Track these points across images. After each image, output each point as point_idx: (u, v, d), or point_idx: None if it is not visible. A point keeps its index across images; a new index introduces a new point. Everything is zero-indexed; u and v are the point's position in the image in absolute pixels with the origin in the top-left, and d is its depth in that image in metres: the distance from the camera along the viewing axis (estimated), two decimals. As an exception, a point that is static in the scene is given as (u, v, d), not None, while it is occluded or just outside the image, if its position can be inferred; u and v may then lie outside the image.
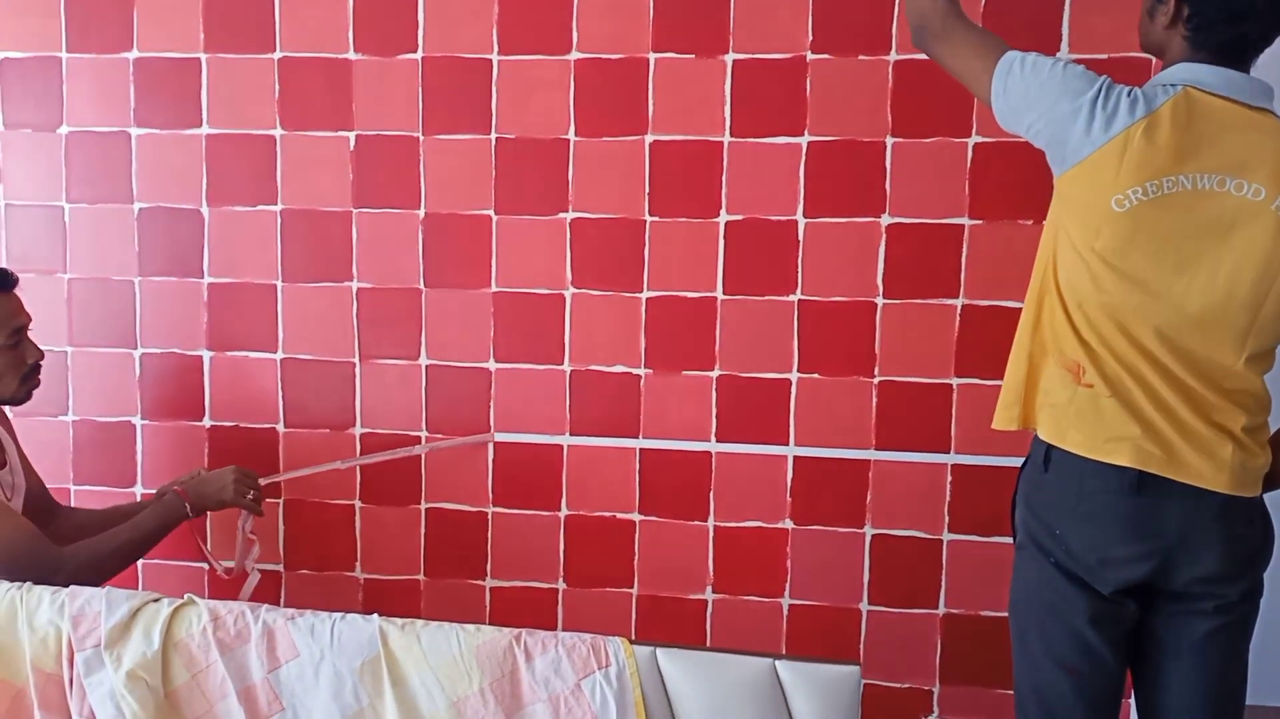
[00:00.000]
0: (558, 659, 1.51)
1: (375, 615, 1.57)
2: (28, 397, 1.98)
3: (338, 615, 1.57)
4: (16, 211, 2.40)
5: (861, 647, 2.25)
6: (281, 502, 2.39)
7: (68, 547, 1.87)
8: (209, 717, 1.57)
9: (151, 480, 2.39)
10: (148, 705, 1.55)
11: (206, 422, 2.39)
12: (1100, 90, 1.53)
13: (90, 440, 2.43)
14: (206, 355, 2.38)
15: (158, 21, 2.32)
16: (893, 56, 2.12)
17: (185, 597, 1.62)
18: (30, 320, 1.97)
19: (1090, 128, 1.52)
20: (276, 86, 2.29)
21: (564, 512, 2.31)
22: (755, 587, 2.26)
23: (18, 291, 1.97)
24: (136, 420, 2.41)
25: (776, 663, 1.49)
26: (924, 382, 2.17)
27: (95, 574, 1.82)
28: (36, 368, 1.98)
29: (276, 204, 2.32)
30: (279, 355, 2.36)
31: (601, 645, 1.52)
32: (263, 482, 2.20)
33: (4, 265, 2.37)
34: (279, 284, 2.34)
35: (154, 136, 2.34)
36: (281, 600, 2.40)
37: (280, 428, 2.37)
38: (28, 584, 1.67)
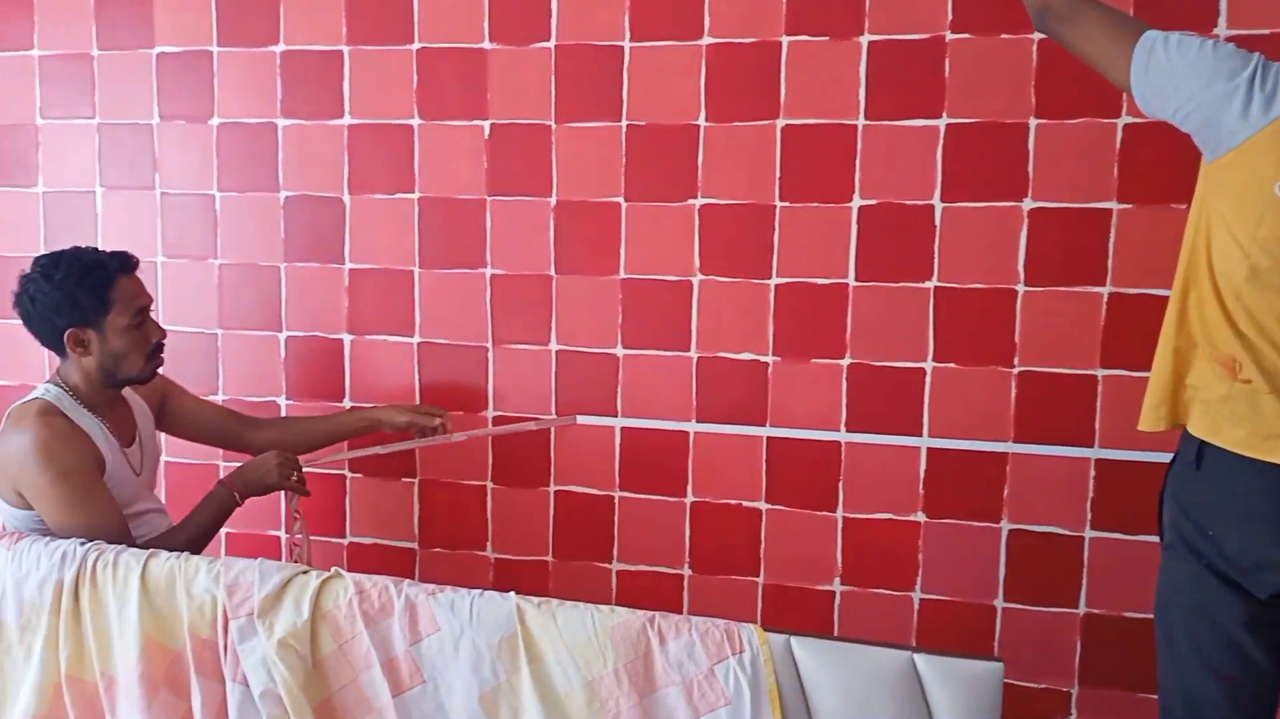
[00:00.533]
0: (691, 643, 1.52)
1: (512, 593, 1.60)
2: (152, 374, 2.05)
3: (476, 592, 1.61)
4: (171, 200, 2.53)
5: (996, 644, 2.19)
6: (417, 482, 2.46)
7: (146, 543, 1.94)
8: (354, 686, 1.63)
9: (295, 458, 2.50)
10: (297, 672, 1.61)
11: (346, 403, 2.48)
12: (1256, 69, 1.44)
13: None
14: (347, 339, 2.46)
15: (303, 15, 2.40)
16: (1037, 35, 2.04)
17: (332, 569, 1.68)
18: (152, 301, 2.04)
19: (1248, 110, 1.43)
20: (415, 77, 2.35)
21: (690, 498, 2.32)
22: (885, 579, 2.22)
23: (138, 274, 2.03)
24: (281, 400, 2.51)
25: (915, 656, 1.46)
26: (1067, 372, 2.09)
27: None
28: (160, 346, 2.04)
29: (414, 192, 2.38)
30: (415, 339, 2.42)
31: (735, 631, 1.51)
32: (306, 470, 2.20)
33: (160, 252, 2.51)
34: (416, 270, 2.40)
35: (299, 127, 2.43)
36: (415, 576, 2.47)
37: (416, 410, 2.44)
38: (185, 554, 1.77)
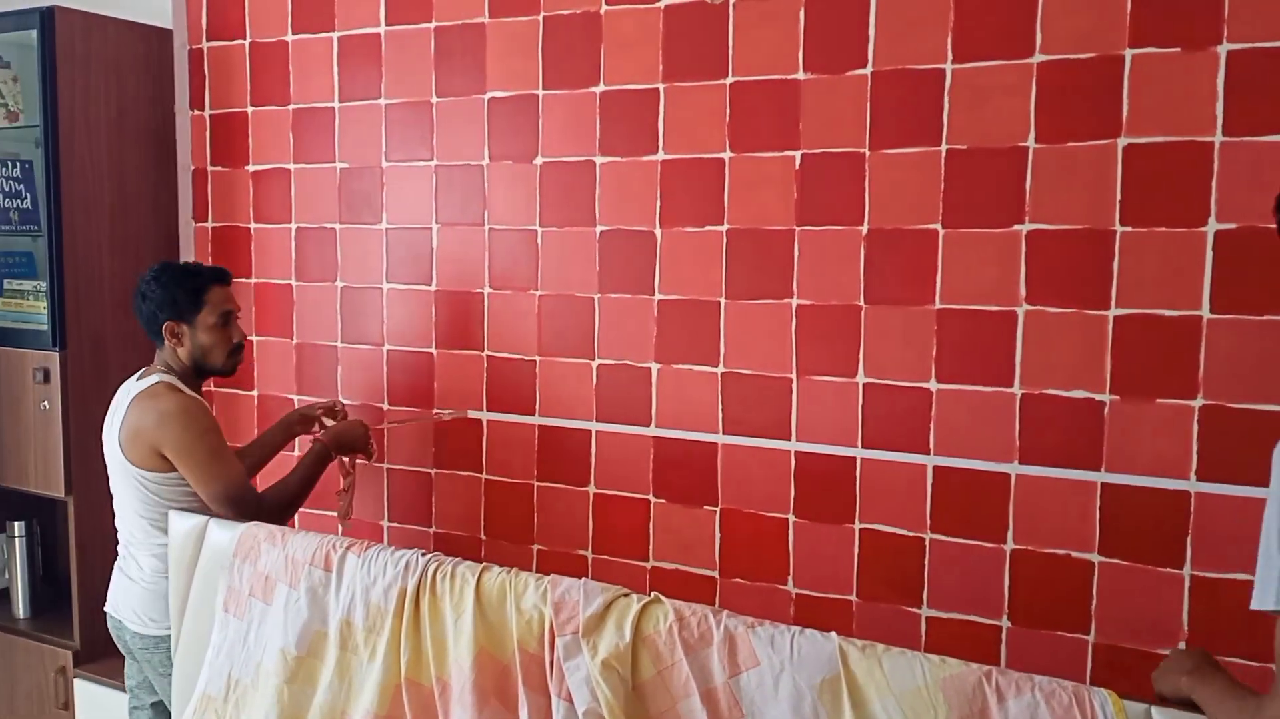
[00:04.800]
0: (1034, 704, 1.40)
1: (834, 633, 1.55)
2: (233, 370, 2.44)
3: (796, 629, 1.58)
4: (498, 235, 2.70)
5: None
6: (718, 510, 2.46)
7: (264, 491, 2.38)
8: (672, 713, 1.64)
9: (603, 479, 2.59)
10: (619, 695, 1.64)
11: (651, 429, 2.53)
12: None
13: (553, 442, 2.66)
14: (654, 367, 2.51)
15: (623, 56, 2.49)
16: None
17: (652, 594, 1.70)
18: (239, 309, 2.43)
19: None
20: (727, 110, 2.38)
21: (1010, 544, 2.17)
22: (1243, 648, 1.97)
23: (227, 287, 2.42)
24: (592, 425, 2.60)
25: (1307, 742, 1.27)
26: None
27: (280, 515, 2.33)
28: (240, 347, 2.42)
29: (723, 224, 2.41)
30: (719, 369, 2.44)
31: (1085, 696, 1.39)
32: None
33: (487, 284, 2.68)
34: (722, 301, 2.42)
35: (615, 164, 2.52)
36: (716, 604, 2.47)
37: (719, 438, 2.44)
38: (514, 569, 1.85)
